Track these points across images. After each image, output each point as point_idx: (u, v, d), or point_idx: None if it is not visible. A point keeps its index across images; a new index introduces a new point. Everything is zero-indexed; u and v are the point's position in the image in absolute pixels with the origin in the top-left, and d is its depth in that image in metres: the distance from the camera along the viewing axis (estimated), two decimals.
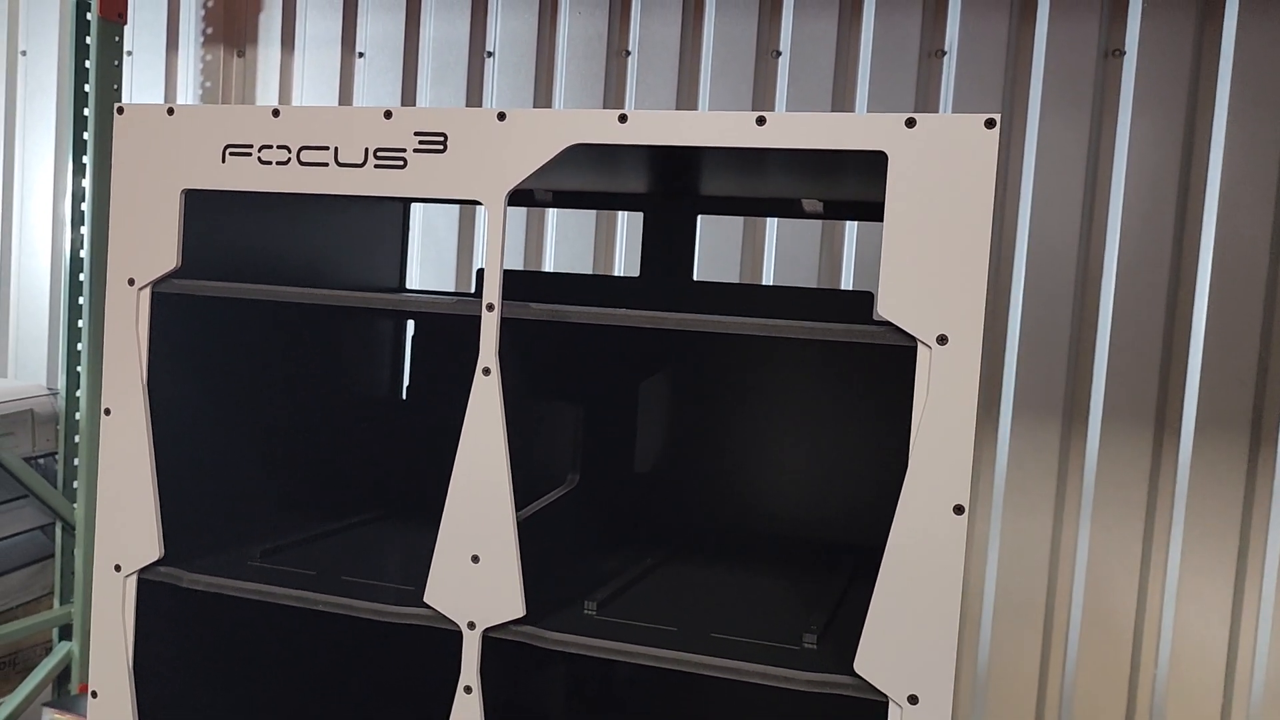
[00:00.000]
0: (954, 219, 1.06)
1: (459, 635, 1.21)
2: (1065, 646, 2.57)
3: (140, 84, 2.82)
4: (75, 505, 2.65)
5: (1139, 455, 2.43)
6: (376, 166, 1.21)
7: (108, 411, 1.31)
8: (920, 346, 1.07)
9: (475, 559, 1.20)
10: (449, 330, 1.79)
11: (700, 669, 1.15)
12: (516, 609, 1.19)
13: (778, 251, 2.36)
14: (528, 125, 1.17)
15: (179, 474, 1.35)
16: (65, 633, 2.72)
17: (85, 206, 2.46)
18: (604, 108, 2.54)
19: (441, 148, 1.19)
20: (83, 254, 2.47)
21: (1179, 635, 2.49)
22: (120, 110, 1.30)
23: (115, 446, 1.31)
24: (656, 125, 1.13)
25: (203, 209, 1.32)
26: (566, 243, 2.48)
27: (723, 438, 1.74)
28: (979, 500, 2.46)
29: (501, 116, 1.17)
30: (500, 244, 1.18)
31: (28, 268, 3.03)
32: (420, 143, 1.20)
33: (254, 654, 1.54)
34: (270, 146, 1.24)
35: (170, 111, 1.28)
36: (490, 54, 2.56)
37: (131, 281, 1.30)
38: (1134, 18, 2.21)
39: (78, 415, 2.63)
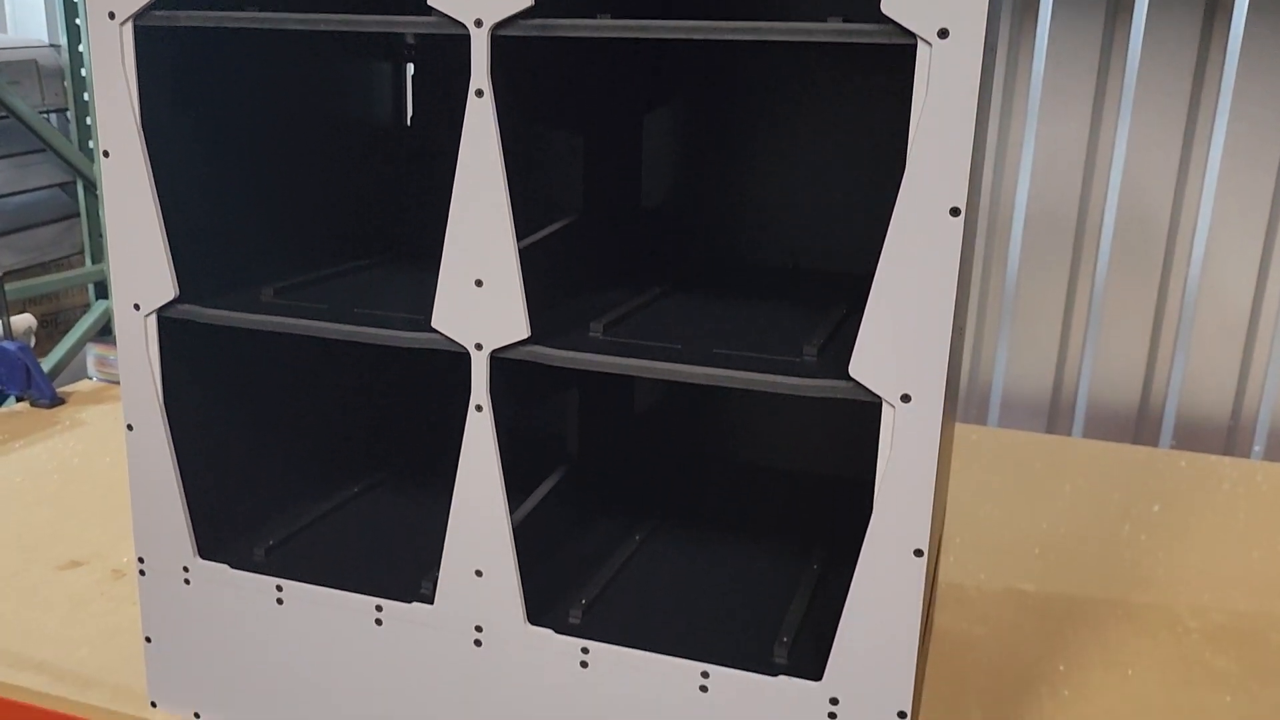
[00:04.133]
0: None
1: (468, 357, 1.24)
2: (1097, 248, 2.47)
3: None
4: (94, 164, 2.55)
5: (1185, 46, 2.22)
6: None
7: (106, 154, 1.31)
8: (920, 44, 1.03)
9: (479, 283, 1.22)
10: (450, 65, 1.75)
11: (704, 380, 1.18)
12: (521, 330, 1.22)
13: None
14: None
15: (183, 216, 1.36)
16: (101, 290, 2.71)
17: None
18: None
19: None
20: None
21: (1215, 232, 2.36)
22: None
23: (118, 189, 1.31)
24: None
25: None
26: None
27: (727, 169, 1.72)
28: (1014, 105, 2.25)
29: None
30: None
31: None
32: None
33: (272, 388, 1.60)
34: None
35: None
36: None
37: (112, 15, 1.26)
38: None
39: (84, 72, 2.50)
